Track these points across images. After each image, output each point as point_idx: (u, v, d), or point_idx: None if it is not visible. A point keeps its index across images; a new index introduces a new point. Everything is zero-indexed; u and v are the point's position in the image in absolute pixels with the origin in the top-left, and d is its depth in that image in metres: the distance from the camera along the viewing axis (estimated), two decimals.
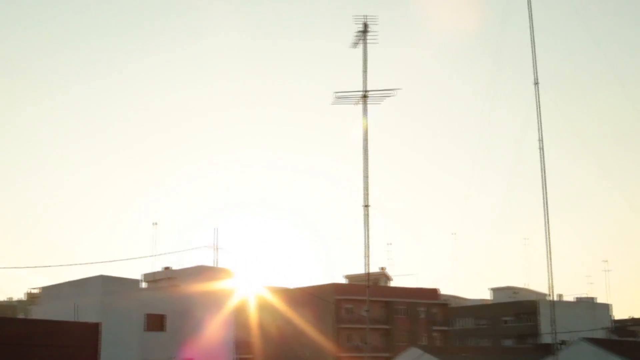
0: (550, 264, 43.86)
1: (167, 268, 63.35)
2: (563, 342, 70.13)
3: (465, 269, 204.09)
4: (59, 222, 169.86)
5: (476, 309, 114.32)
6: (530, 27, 46.43)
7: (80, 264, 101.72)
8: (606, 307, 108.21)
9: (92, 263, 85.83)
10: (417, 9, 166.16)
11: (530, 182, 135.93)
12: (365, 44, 31.68)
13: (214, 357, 54.86)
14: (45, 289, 58.27)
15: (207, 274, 58.56)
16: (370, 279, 36.38)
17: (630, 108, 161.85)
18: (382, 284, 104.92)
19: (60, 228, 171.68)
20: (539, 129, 44.98)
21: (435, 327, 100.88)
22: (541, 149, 44.95)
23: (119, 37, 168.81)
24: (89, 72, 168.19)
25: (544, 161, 44.94)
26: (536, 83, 45.47)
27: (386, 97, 31.24)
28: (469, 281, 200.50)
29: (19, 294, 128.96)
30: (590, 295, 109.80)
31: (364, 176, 31.09)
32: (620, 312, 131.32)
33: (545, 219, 44.53)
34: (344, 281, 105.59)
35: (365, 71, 31.86)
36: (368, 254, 30.83)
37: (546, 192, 44.83)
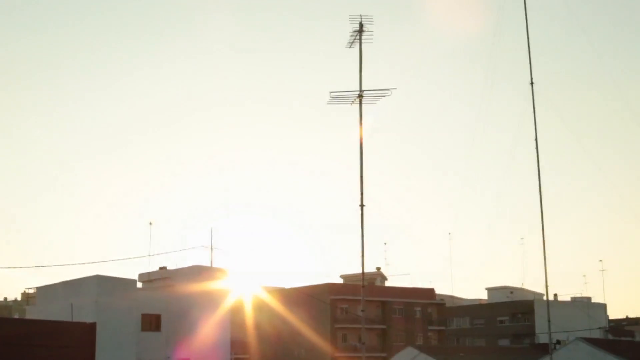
0: (546, 264, 43.85)
1: (162, 268, 63.25)
2: (558, 342, 70.28)
3: (461, 269, 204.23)
4: (54, 222, 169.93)
5: (472, 309, 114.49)
6: (525, 27, 46.49)
7: (76, 264, 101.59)
8: (602, 307, 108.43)
9: (87, 263, 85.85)
10: (414, 9, 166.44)
11: (525, 182, 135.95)
12: (360, 43, 31.61)
13: (210, 357, 54.85)
14: (40, 289, 58.15)
15: (203, 274, 58.50)
16: (366, 278, 36.38)
17: (625, 108, 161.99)
18: (378, 283, 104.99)
19: (55, 228, 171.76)
20: (534, 128, 45.04)
21: (431, 327, 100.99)
22: (537, 148, 45.00)
23: (113, 36, 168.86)
24: (84, 72, 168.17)
25: (539, 161, 44.99)
26: (531, 83, 45.53)
27: (382, 97, 31.18)
28: (465, 281, 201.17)
29: (14, 294, 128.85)
30: (585, 294, 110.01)
31: (360, 176, 31.03)
32: (615, 312, 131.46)
33: (540, 219, 44.53)
34: (339, 281, 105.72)
35: (360, 71, 31.80)
36: (364, 254, 30.78)
37: (541, 192, 44.83)
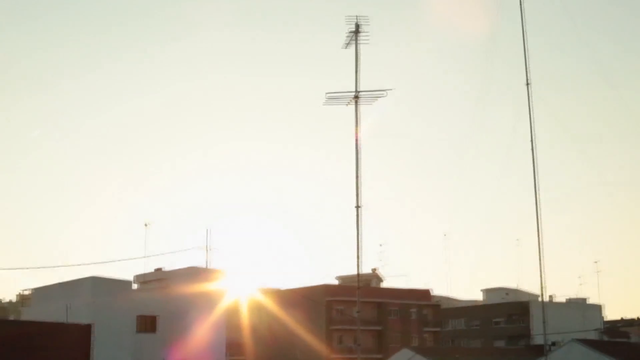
0: (542, 265, 43.89)
1: (158, 269, 63.22)
2: (554, 343, 70.33)
3: (457, 270, 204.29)
4: (50, 223, 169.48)
5: (468, 310, 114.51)
6: (522, 27, 46.52)
7: (72, 265, 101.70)
8: (597, 308, 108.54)
9: (83, 264, 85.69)
10: (411, 9, 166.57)
11: (521, 183, 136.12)
12: (357, 44, 31.65)
13: (206, 359, 54.80)
14: (36, 291, 58.09)
15: (199, 275, 58.49)
16: (361, 280, 36.36)
17: (622, 109, 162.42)
18: (373, 285, 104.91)
19: (51, 229, 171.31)
20: (530, 129, 45.09)
21: (427, 328, 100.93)
22: (533, 149, 45.05)
23: (109, 35, 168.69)
24: (80, 73, 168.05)
25: (535, 162, 45.04)
26: (528, 83, 45.58)
27: (378, 98, 31.22)
28: (461, 282, 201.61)
29: (10, 296, 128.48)
30: (581, 296, 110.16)
31: (356, 177, 31.08)
32: (611, 313, 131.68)
33: (536, 220, 44.59)
34: (335, 282, 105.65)
35: (357, 72, 31.84)
36: (359, 255, 30.80)
37: (538, 193, 44.91)
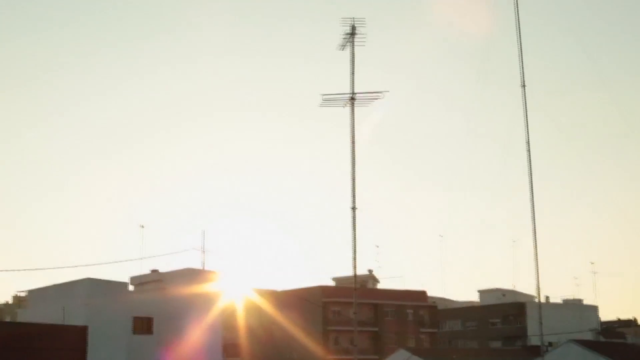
0: (538, 266, 43.91)
1: (154, 271, 63.21)
2: (550, 344, 70.42)
3: (453, 271, 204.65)
4: (46, 225, 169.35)
5: (464, 311, 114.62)
6: (517, 29, 46.56)
7: (68, 267, 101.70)
8: (593, 309, 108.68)
9: (79, 266, 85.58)
10: (407, 12, 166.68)
11: (517, 184, 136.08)
12: (353, 46, 31.67)
13: None
14: (32, 292, 58.03)
15: (195, 276, 58.47)
16: (358, 281, 36.38)
17: (617, 111, 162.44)
18: (370, 286, 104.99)
19: (47, 230, 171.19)
20: (526, 130, 45.14)
21: (423, 329, 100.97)
22: (528, 151, 45.10)
23: (105, 34, 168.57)
24: (75, 73, 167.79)
25: (531, 163, 45.08)
26: (523, 85, 45.62)
27: (374, 100, 31.26)
28: (457, 283, 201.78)
29: (5, 297, 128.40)
30: (577, 297, 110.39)
31: (352, 178, 31.09)
32: (607, 314, 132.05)
33: (532, 221, 44.60)
34: (331, 283, 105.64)
35: (352, 74, 31.85)
36: (356, 256, 30.82)
37: (533, 194, 44.92)
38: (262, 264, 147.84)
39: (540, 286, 43.67)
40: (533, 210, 44.42)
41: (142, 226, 72.11)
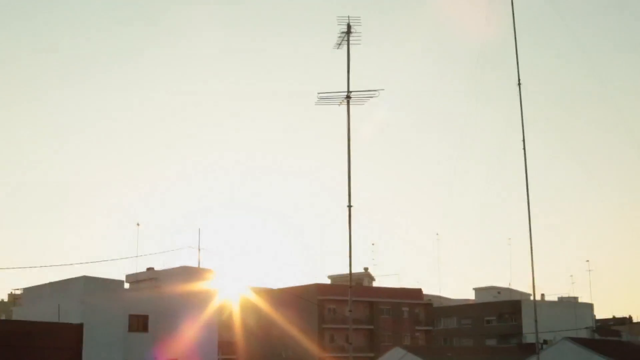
0: (533, 264, 43.95)
1: (150, 269, 63.16)
2: (545, 342, 70.49)
3: (448, 269, 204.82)
4: (41, 223, 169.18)
5: (459, 309, 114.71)
6: (513, 27, 46.59)
7: (63, 265, 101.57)
8: (588, 307, 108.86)
9: (74, 264, 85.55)
10: (403, 10, 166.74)
11: (513, 183, 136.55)
12: (348, 45, 31.63)
13: (198, 358, 54.79)
14: (27, 290, 57.99)
15: (191, 274, 58.47)
16: (353, 279, 36.46)
17: (613, 109, 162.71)
18: (365, 284, 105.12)
19: (42, 229, 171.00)
20: (522, 129, 45.16)
21: (418, 327, 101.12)
22: (524, 149, 45.12)
23: (100, 36, 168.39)
24: (71, 73, 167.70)
25: (526, 162, 45.10)
26: (519, 84, 45.64)
27: (370, 98, 31.24)
28: (453, 281, 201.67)
29: (1, 295, 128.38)
30: (572, 294, 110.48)
31: (348, 176, 31.06)
32: (602, 312, 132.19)
33: (528, 219, 44.63)
34: (327, 281, 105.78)
35: (348, 72, 31.84)
36: (351, 254, 30.81)
37: (529, 193, 44.94)
38: (257, 262, 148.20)
39: (536, 284, 43.69)
40: (529, 208, 44.46)
41: (138, 224, 72.02)
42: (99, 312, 48.10)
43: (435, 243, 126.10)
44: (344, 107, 31.50)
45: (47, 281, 53.77)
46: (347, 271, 31.54)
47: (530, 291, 50.07)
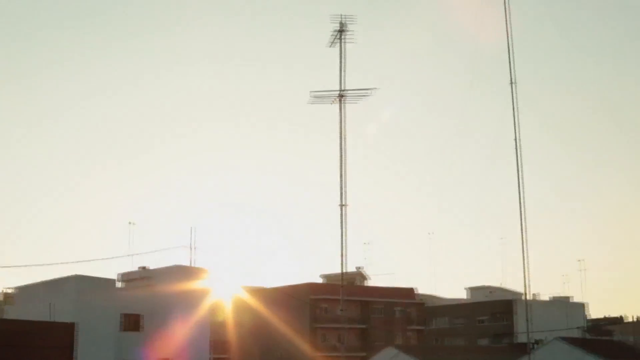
0: (526, 263, 44.12)
1: (143, 268, 63.14)
2: (537, 342, 70.60)
3: (441, 268, 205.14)
4: (34, 222, 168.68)
5: (452, 309, 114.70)
6: (507, 27, 46.68)
7: (56, 264, 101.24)
8: (581, 307, 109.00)
9: (67, 263, 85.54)
10: (397, 9, 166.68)
11: (506, 182, 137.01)
12: (341, 43, 31.74)
13: (190, 357, 54.79)
14: (20, 289, 57.94)
15: (184, 273, 58.48)
16: (346, 278, 36.46)
17: (607, 108, 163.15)
18: (358, 283, 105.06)
19: (35, 227, 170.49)
20: (515, 128, 45.28)
21: (411, 327, 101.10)
22: (517, 148, 45.26)
23: (96, 34, 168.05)
24: (67, 73, 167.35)
25: (520, 161, 45.25)
26: (513, 83, 45.77)
27: (363, 97, 31.31)
28: (445, 280, 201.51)
29: None
30: (565, 294, 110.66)
31: (340, 175, 31.16)
32: (595, 311, 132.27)
33: (521, 219, 44.80)
34: (320, 281, 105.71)
35: (341, 71, 31.92)
36: (344, 254, 30.89)
37: (522, 192, 45.14)
38: (251, 261, 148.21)
39: (529, 283, 43.90)
40: (522, 207, 44.62)
41: (131, 223, 71.98)
42: (91, 311, 48.08)
43: (428, 242, 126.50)
44: (337, 105, 31.58)
45: (39, 280, 53.75)
46: (340, 270, 31.62)
47: (523, 290, 50.11)
